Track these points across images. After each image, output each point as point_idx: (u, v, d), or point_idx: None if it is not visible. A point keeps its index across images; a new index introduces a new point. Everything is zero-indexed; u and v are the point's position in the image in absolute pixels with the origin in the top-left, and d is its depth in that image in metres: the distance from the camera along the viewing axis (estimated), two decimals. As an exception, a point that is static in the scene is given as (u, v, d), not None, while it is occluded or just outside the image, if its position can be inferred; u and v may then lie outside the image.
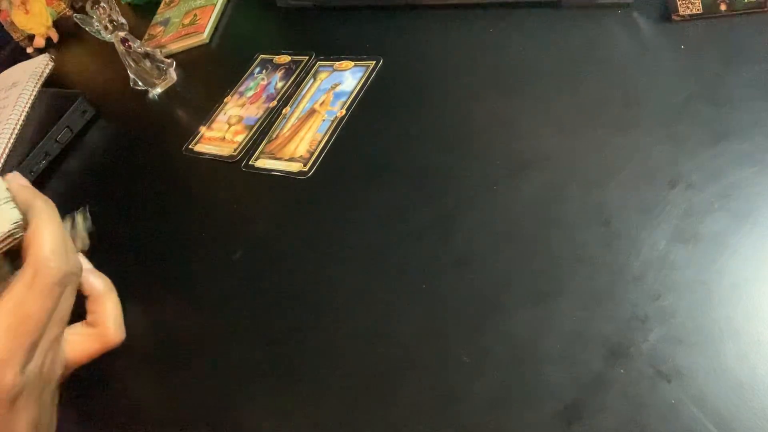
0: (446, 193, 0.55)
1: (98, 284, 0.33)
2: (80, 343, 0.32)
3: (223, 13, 0.94)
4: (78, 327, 0.32)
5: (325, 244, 0.56)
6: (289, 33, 0.86)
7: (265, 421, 0.47)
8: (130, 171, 0.78)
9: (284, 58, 0.79)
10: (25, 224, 0.29)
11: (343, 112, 0.67)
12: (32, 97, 0.85)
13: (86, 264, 0.33)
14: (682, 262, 0.43)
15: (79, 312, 0.34)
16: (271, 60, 0.80)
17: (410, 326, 0.47)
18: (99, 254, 0.68)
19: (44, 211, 0.29)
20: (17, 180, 0.31)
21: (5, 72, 0.95)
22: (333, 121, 0.67)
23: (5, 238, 0.28)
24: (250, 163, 0.68)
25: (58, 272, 0.28)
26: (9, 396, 0.26)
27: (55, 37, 1.11)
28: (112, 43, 0.82)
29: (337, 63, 0.74)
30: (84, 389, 0.55)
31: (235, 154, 0.70)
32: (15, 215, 0.28)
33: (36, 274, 0.28)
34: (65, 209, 0.76)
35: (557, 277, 0.45)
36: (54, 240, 0.28)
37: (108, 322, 0.33)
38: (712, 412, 0.36)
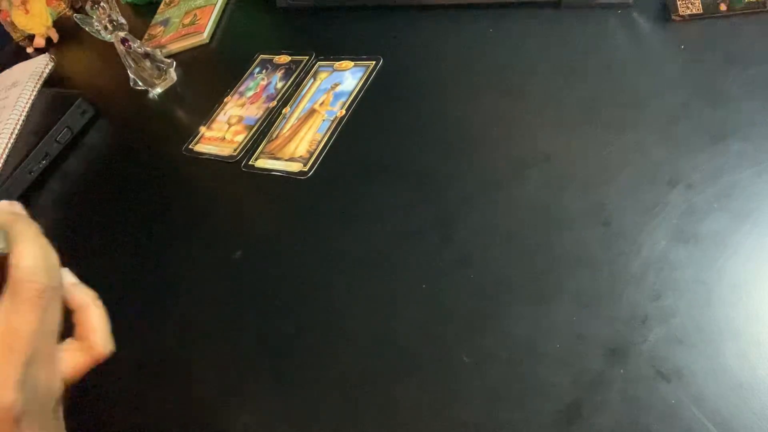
0: (446, 193, 0.55)
1: (82, 297, 0.34)
2: (70, 359, 0.32)
3: (223, 13, 0.94)
4: (67, 342, 0.33)
5: (325, 244, 0.56)
6: (289, 33, 0.86)
7: (265, 421, 0.47)
8: (130, 171, 0.78)
9: (284, 58, 0.79)
10: (9, 249, 0.30)
11: (343, 112, 0.67)
12: (32, 97, 0.86)
13: (70, 278, 0.34)
14: (682, 262, 0.43)
15: (69, 327, 0.35)
16: (271, 60, 0.80)
17: (410, 326, 0.47)
18: (99, 254, 0.69)
19: (24, 232, 0.30)
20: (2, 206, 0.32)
21: (5, 72, 0.95)
22: (333, 121, 0.67)
23: None
24: (250, 163, 0.68)
25: (39, 286, 0.29)
26: (12, 415, 0.27)
27: (55, 37, 1.11)
28: (112, 43, 0.82)
29: (337, 63, 0.74)
30: (79, 397, 0.55)
31: (235, 154, 0.70)
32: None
33: (16, 290, 0.29)
34: (65, 209, 0.77)
35: (557, 277, 0.45)
36: (33, 257, 0.30)
37: (95, 334, 0.34)
38: (712, 412, 0.36)
